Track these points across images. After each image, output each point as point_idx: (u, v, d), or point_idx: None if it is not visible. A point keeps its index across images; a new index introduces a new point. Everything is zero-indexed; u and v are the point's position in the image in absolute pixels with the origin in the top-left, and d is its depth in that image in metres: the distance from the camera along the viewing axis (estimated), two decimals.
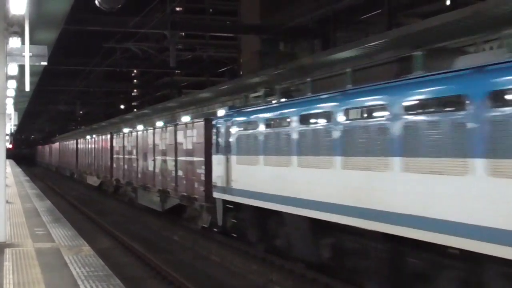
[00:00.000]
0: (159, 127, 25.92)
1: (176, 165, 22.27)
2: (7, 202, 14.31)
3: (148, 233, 21.28)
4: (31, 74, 14.05)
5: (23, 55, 12.83)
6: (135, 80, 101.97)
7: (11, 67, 15.83)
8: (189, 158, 20.74)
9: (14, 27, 12.97)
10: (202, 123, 19.69)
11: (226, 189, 16.39)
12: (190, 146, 20.76)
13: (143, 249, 17.29)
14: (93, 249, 12.24)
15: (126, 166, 31.30)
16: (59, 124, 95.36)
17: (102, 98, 68.39)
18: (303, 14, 39.67)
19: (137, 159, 28.66)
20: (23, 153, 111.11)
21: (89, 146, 44.33)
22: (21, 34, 12.92)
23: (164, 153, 24.06)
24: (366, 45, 15.63)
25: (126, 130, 35.26)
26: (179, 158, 21.93)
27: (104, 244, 18.59)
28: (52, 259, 10.98)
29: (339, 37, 36.45)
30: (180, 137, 22.02)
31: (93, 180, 41.95)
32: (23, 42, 12.90)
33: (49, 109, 70.88)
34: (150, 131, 26.81)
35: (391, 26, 26.51)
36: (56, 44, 19.70)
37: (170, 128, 23.62)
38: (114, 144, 34.78)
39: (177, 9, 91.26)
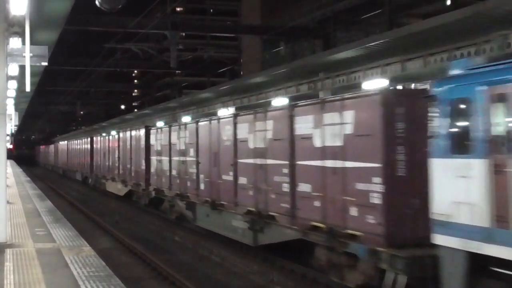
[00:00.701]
0: (247, 114, 16.65)
1: (292, 173, 13.51)
2: (8, 202, 14.31)
3: (149, 234, 21.27)
4: (32, 75, 14.07)
5: (24, 55, 12.84)
6: (135, 81, 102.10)
7: (12, 67, 15.85)
8: (331, 163, 12.00)
9: (14, 27, 12.99)
10: (377, 98, 10.91)
11: (493, 233, 7.93)
12: (334, 142, 11.95)
13: (144, 249, 17.28)
14: (93, 249, 12.24)
15: (175, 172, 21.91)
16: (59, 125, 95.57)
17: (103, 98, 68.54)
18: (303, 15, 39.75)
19: (198, 163, 19.49)
20: (24, 153, 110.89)
21: (111, 145, 35.29)
22: (21, 35, 12.94)
23: (260, 154, 15.17)
24: (367, 45, 15.62)
25: (181, 121, 26.92)
26: (303, 163, 13.09)
27: (104, 244, 18.60)
28: (52, 259, 10.98)
29: (340, 37, 36.51)
30: (302, 128, 13.23)
31: (116, 188, 33.35)
32: (23, 43, 12.91)
33: (50, 109, 70.97)
34: (226, 120, 17.67)
35: (392, 26, 26.55)
36: (56, 45, 19.71)
37: (276, 114, 14.70)
38: (152, 141, 25.68)
39: (178, 9, 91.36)
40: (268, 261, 14.97)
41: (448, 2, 31.15)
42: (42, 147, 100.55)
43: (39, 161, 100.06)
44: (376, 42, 15.23)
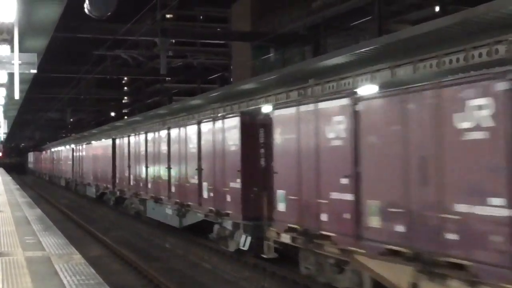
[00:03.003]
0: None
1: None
2: None
3: (139, 241, 21.22)
4: (21, 82, 14.06)
5: (13, 63, 12.79)
6: (125, 88, 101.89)
7: (1, 74, 15.79)
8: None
9: (3, 34, 12.97)
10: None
11: None
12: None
13: (135, 256, 17.22)
14: (84, 257, 12.16)
15: None
16: (49, 132, 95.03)
17: (93, 105, 68.36)
18: (293, 21, 39.85)
19: None
20: (13, 161, 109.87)
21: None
22: (10, 42, 12.91)
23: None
24: (356, 52, 15.66)
25: None
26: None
27: (95, 252, 18.51)
28: (42, 267, 10.90)
29: (330, 43, 36.63)
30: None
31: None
32: (12, 50, 12.87)
33: (40, 116, 70.66)
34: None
35: (382, 32, 26.67)
36: (46, 52, 19.66)
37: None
38: None
39: (168, 16, 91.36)
40: (259, 267, 14.95)
41: (437, 9, 31.35)
42: (43, 152, 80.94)
43: (40, 172, 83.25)
44: (365, 49, 15.28)
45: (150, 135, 24.19)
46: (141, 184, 25.21)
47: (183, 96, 57.48)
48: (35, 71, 13.95)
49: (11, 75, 15.55)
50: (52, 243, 13.95)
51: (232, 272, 15.04)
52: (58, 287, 9.30)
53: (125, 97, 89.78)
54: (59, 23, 16.01)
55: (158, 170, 22.64)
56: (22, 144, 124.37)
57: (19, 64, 12.75)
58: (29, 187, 54.29)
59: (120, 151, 29.22)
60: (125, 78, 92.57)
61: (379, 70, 15.05)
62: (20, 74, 13.02)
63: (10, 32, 12.73)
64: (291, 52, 41.74)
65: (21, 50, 12.98)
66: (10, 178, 55.58)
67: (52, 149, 66.03)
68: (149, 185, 23.96)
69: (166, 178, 21.46)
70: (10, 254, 12.36)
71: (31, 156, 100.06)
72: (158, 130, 23.50)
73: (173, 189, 20.98)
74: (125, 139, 28.26)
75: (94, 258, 16.07)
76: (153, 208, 23.38)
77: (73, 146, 47.19)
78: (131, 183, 26.80)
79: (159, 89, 74.62)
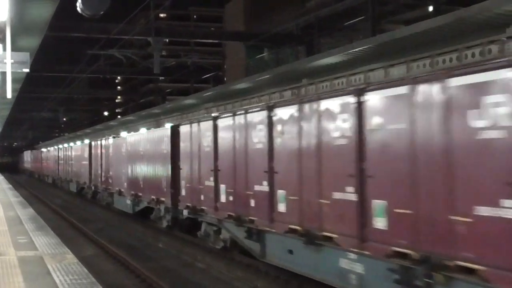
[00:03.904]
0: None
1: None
2: None
3: (132, 240, 21.17)
4: (13, 81, 14.00)
5: (5, 61, 12.75)
6: (119, 87, 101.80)
7: None
8: None
9: None
10: None
11: None
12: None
13: (127, 256, 17.19)
14: (76, 257, 12.13)
15: None
16: (43, 131, 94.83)
17: (86, 105, 68.32)
18: (287, 21, 39.86)
19: None
20: (7, 161, 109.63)
21: None
22: (2, 41, 12.86)
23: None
24: (350, 51, 15.66)
25: None
26: None
27: (88, 251, 18.48)
28: (35, 267, 10.87)
29: (324, 43, 36.66)
30: None
31: None
32: (4, 49, 12.83)
33: (32, 116, 70.46)
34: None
35: (375, 32, 26.71)
36: (38, 51, 19.58)
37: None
38: None
39: (161, 15, 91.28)
40: (252, 267, 14.95)
41: (431, 9, 31.41)
42: (43, 151, 69.09)
43: (40, 173, 72.22)
44: (359, 48, 15.27)
45: (283, 112, 13.03)
46: (252, 203, 13.87)
47: (176, 96, 57.44)
48: (27, 70, 13.89)
49: (3, 74, 15.49)
50: (45, 242, 13.91)
51: (225, 272, 15.04)
52: (50, 287, 9.27)
53: (119, 97, 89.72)
54: (51, 22, 15.95)
55: (315, 179, 11.16)
56: (15, 144, 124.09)
57: (12, 63, 12.71)
58: (22, 186, 54.10)
59: (192, 144, 18.21)
60: (119, 78, 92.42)
61: (372, 69, 15.06)
62: (13, 73, 12.98)
63: (2, 31, 12.68)
64: (284, 52, 41.74)
65: (13, 49, 12.93)
66: (3, 177, 55.46)
67: (56, 146, 55.92)
68: (281, 206, 12.47)
69: (350, 197, 10.04)
70: (2, 253, 12.31)
71: (27, 155, 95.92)
72: (309, 102, 12.15)
73: (377, 222, 9.35)
74: (205, 125, 17.15)
75: (87, 258, 16.05)
76: (292, 252, 12.45)
77: (89, 141, 37.40)
78: (223, 199, 15.61)
79: (152, 88, 74.62)
